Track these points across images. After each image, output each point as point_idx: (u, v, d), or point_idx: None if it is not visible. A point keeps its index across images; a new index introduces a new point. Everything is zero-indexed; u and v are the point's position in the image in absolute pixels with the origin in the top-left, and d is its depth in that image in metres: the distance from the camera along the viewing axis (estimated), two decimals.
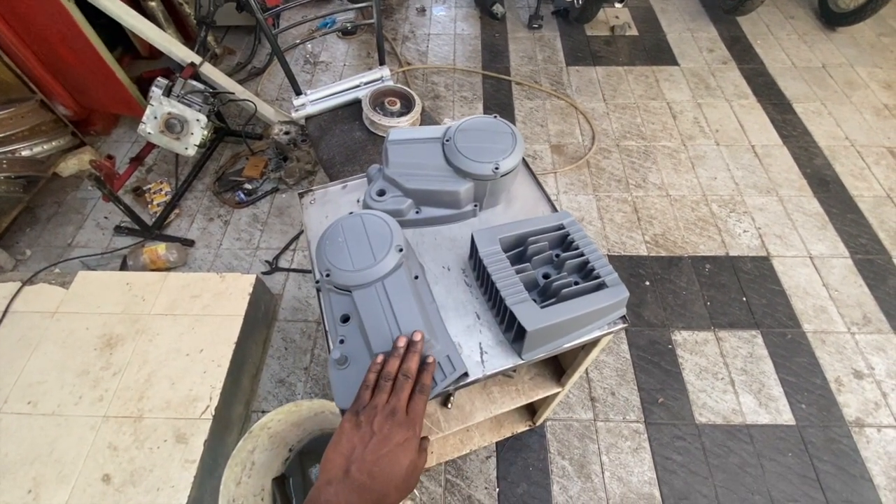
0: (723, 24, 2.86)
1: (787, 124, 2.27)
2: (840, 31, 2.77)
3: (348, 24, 1.57)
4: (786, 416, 1.43)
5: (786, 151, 2.15)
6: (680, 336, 1.60)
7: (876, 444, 1.38)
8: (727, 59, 2.63)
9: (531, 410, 1.34)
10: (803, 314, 1.64)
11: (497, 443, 1.39)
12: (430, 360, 0.59)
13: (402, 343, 0.58)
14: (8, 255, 1.77)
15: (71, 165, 1.94)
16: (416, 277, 0.70)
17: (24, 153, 1.77)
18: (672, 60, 2.62)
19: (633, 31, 2.82)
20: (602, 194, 2.00)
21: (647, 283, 1.73)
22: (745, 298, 1.68)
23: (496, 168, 0.73)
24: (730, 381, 1.50)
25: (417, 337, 0.59)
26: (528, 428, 1.32)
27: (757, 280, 1.73)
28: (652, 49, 2.70)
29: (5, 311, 1.41)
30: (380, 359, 0.58)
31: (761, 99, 2.39)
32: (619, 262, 1.79)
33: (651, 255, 1.80)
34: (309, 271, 1.77)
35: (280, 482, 1.14)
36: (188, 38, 2.49)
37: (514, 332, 0.65)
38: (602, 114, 2.33)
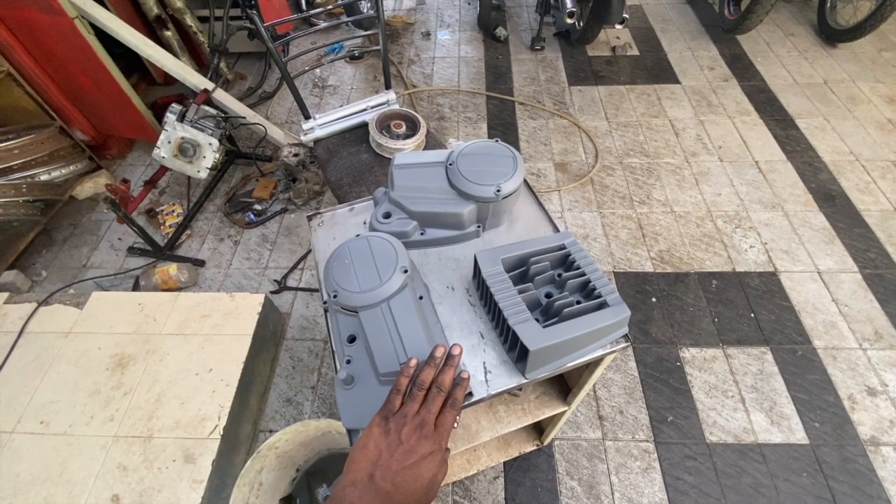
0: (723, 43, 2.90)
1: (791, 140, 2.28)
2: (840, 48, 2.79)
3: (355, 51, 1.63)
4: (799, 435, 1.41)
5: (790, 167, 2.16)
6: (688, 353, 1.59)
7: (892, 463, 1.34)
8: (728, 76, 2.66)
9: (539, 430, 1.33)
10: (813, 330, 1.63)
11: (505, 463, 1.38)
12: (465, 375, 0.57)
13: (440, 353, 0.58)
14: (25, 276, 1.81)
15: (87, 189, 2.00)
16: (421, 298, 0.71)
17: (43, 177, 1.83)
18: (673, 79, 2.66)
19: (634, 51, 2.88)
20: (606, 211, 2.01)
21: (654, 299, 1.72)
22: (753, 314, 1.67)
23: (498, 190, 0.75)
24: (740, 398, 1.48)
25: (456, 351, 0.58)
26: (535, 447, 1.31)
27: (765, 296, 1.72)
28: (653, 68, 2.75)
29: (21, 332, 1.44)
30: (413, 362, 0.57)
31: (763, 115, 2.41)
32: (624, 278, 1.79)
33: (657, 271, 1.81)
34: (317, 290, 1.79)
35: (287, 503, 1.14)
36: (201, 65, 2.58)
37: (517, 352, 0.66)
38: (605, 132, 2.37)
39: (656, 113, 2.46)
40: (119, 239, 1.98)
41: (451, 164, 0.79)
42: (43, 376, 1.36)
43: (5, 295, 1.56)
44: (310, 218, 0.93)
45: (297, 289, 1.80)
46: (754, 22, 2.64)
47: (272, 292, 1.78)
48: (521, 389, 1.01)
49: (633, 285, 1.77)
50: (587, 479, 1.35)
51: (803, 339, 1.61)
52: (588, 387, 0.89)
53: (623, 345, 0.70)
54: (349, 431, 0.62)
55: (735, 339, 1.61)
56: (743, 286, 1.75)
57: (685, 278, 1.78)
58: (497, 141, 0.82)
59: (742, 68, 2.71)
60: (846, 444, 1.38)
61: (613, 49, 2.87)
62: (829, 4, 2.77)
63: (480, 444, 1.28)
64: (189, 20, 2.35)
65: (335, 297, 0.66)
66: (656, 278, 1.79)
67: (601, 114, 2.46)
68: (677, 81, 2.64)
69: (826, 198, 2.02)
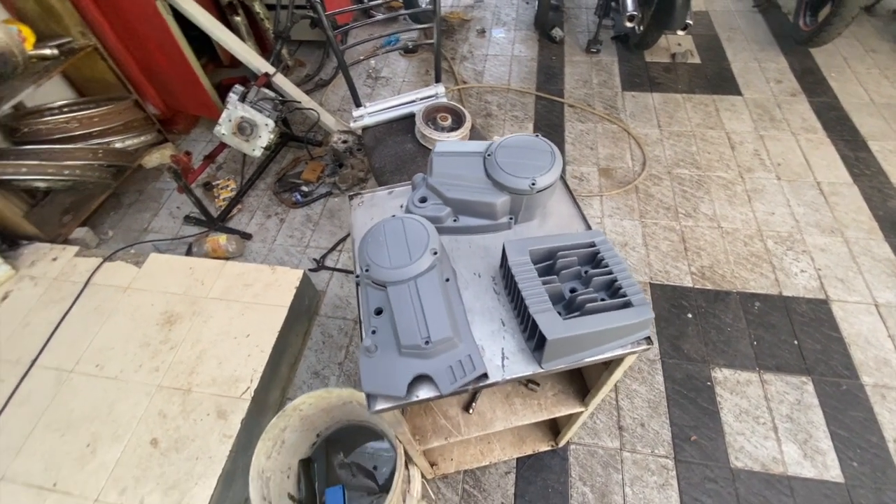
0: (794, 55, 2.74)
1: (860, 162, 2.13)
2: None
3: (410, 43, 1.67)
4: (833, 473, 1.33)
5: (856, 190, 2.02)
6: (720, 374, 1.53)
7: None
8: (796, 91, 2.52)
9: (555, 430, 1.33)
10: (863, 365, 1.52)
11: (517, 459, 1.38)
12: None
13: None
14: (94, 234, 1.99)
15: (154, 158, 2.16)
16: (448, 280, 0.74)
17: (117, 145, 2.00)
18: (735, 90, 2.54)
19: (696, 59, 2.77)
20: (649, 221, 1.96)
21: (690, 315, 1.67)
22: (796, 342, 1.58)
23: (533, 184, 0.76)
24: (773, 427, 1.42)
25: None
26: (550, 448, 1.31)
27: (812, 324, 1.62)
28: (714, 77, 2.63)
29: (86, 283, 1.59)
30: None
31: (831, 134, 2.27)
32: (661, 290, 1.74)
33: (696, 286, 1.74)
34: (352, 272, 1.86)
35: (306, 465, 1.20)
36: (265, 50, 2.71)
37: (535, 340, 0.67)
38: (655, 140, 2.30)
39: (713, 124, 2.36)
40: (178, 207, 2.13)
41: (489, 155, 0.80)
42: (102, 324, 1.49)
43: (76, 248, 1.72)
44: (351, 197, 0.98)
45: (333, 269, 1.87)
46: (832, 35, 2.48)
47: (311, 270, 1.87)
48: (538, 385, 1.01)
49: (670, 298, 1.72)
50: (600, 487, 1.33)
51: (850, 373, 1.51)
52: (606, 389, 0.88)
53: (644, 347, 0.70)
54: (368, 396, 0.65)
55: (774, 364, 1.54)
56: (788, 311, 1.66)
57: (726, 297, 1.71)
58: (538, 136, 0.83)
59: (813, 83, 2.55)
60: (886, 488, 1.29)
61: (673, 56, 2.77)
62: None
63: (494, 437, 1.30)
64: (258, 7, 2.49)
65: (367, 270, 0.70)
66: (695, 294, 1.73)
67: (653, 121, 2.40)
68: (739, 93, 2.53)
69: (894, 227, 1.88)
